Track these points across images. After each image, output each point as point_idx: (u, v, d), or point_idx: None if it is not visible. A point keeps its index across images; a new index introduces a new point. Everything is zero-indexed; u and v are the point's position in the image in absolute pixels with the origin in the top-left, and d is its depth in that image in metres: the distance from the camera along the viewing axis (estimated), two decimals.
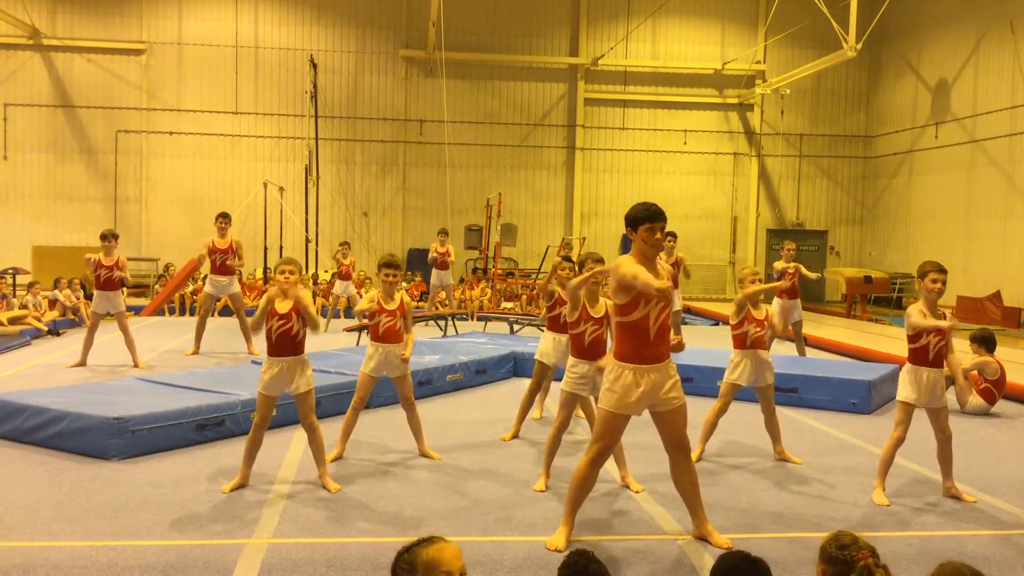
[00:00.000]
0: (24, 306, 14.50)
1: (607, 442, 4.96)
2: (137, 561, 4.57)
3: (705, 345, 13.59)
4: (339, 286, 16.34)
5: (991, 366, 9.12)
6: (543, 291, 7.72)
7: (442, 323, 15.22)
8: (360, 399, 6.74)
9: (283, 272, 5.89)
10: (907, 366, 6.07)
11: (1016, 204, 19.44)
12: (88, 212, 22.76)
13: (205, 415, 7.08)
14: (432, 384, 9.42)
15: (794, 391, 9.20)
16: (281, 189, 20.49)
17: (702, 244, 24.96)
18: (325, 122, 22.45)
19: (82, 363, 10.85)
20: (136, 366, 10.75)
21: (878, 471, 6.08)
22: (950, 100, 21.69)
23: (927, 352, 5.98)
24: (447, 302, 17.39)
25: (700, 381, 9.63)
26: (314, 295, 18.49)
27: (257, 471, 6.23)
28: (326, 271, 20.31)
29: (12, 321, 13.61)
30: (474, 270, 21.77)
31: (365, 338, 13.18)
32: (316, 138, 21.30)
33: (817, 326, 16.04)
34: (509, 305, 18.97)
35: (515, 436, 7.55)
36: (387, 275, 6.55)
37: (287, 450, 6.91)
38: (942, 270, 6.03)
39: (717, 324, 17.55)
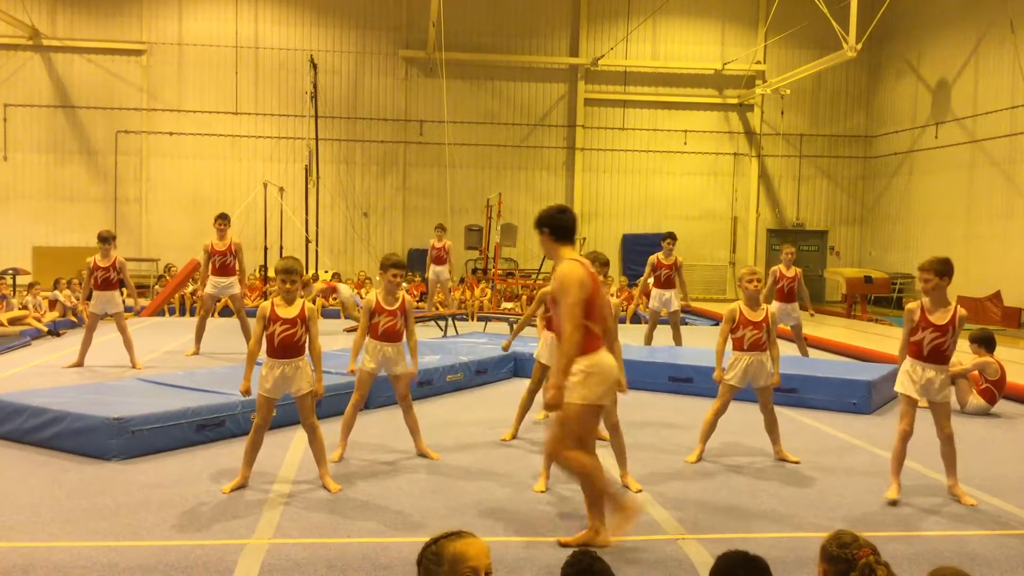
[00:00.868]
0: (24, 307, 14.50)
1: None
2: (138, 561, 4.57)
3: (705, 346, 13.59)
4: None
5: (991, 366, 9.12)
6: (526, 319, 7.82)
7: (442, 323, 15.23)
8: (359, 397, 6.75)
9: (285, 281, 5.84)
10: (907, 359, 6.05)
11: (1016, 204, 19.44)
12: (88, 213, 22.76)
13: (205, 415, 7.07)
14: (432, 384, 9.42)
15: (794, 391, 9.19)
16: (281, 189, 20.50)
17: (702, 244, 24.96)
18: (325, 122, 22.46)
19: (79, 364, 10.84)
20: (134, 367, 10.73)
21: (891, 468, 6.07)
22: (950, 100, 21.69)
23: (921, 347, 5.95)
24: (447, 303, 17.38)
25: (699, 381, 9.63)
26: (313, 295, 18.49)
27: (257, 471, 6.23)
28: (326, 271, 20.31)
29: (12, 322, 13.61)
30: (474, 270, 21.77)
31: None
32: (316, 138, 21.30)
33: (817, 326, 16.03)
34: (509, 305, 18.97)
35: (514, 436, 7.56)
36: (395, 275, 6.59)
37: (287, 450, 6.91)
38: (925, 268, 5.92)
39: (717, 324, 17.55)
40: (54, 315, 14.98)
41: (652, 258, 12.75)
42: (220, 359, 11.70)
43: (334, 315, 18.34)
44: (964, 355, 9.79)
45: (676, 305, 12.60)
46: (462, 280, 20.78)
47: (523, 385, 8.02)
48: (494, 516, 5.45)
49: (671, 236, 12.67)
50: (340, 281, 19.70)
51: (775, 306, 11.67)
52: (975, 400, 9.13)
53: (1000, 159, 19.92)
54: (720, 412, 6.89)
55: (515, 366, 10.91)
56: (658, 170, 24.74)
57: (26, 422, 6.92)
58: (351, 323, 16.05)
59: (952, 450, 6.06)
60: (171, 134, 22.96)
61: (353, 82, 23.63)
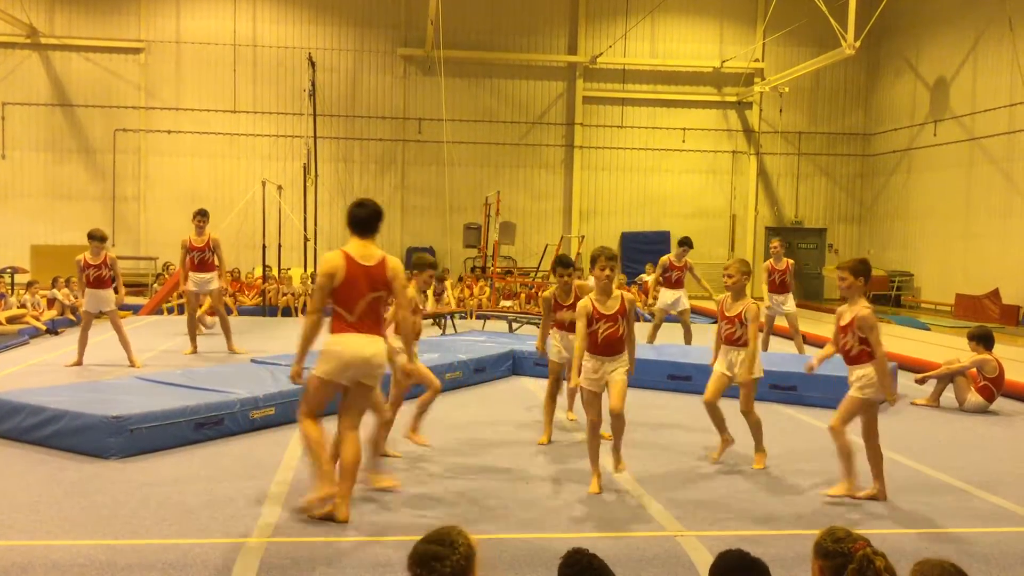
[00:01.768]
0: (22, 305, 14.49)
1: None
2: (136, 560, 4.57)
3: (705, 343, 13.60)
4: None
5: (990, 364, 9.12)
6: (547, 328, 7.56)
7: (441, 321, 15.22)
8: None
9: (603, 268, 5.92)
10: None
11: (1015, 202, 19.45)
12: (87, 211, 22.74)
13: (204, 414, 7.07)
14: None
15: (793, 389, 9.20)
16: (280, 188, 20.46)
17: (701, 242, 24.84)
18: (323, 120, 22.43)
19: (79, 363, 10.83)
20: (132, 365, 10.70)
21: (845, 467, 5.94)
22: (949, 98, 21.70)
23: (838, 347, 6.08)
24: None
25: (699, 380, 9.62)
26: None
27: (258, 470, 6.24)
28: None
29: (11, 320, 13.61)
30: (473, 268, 21.76)
31: None
32: (315, 137, 21.28)
33: (816, 324, 16.04)
34: (508, 303, 18.97)
35: (550, 439, 7.34)
36: (431, 276, 6.94)
37: (286, 448, 6.91)
38: (842, 267, 6.00)
39: (715, 322, 17.55)
40: (52, 314, 14.98)
41: (664, 259, 12.93)
42: (218, 358, 11.68)
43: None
44: (963, 353, 9.81)
45: (686, 304, 12.76)
46: (460, 279, 20.78)
47: (522, 383, 8.04)
48: (492, 513, 5.46)
49: (688, 244, 12.76)
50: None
51: (768, 298, 11.90)
52: (974, 398, 9.14)
53: (998, 157, 19.93)
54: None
55: (513, 364, 10.91)
56: (656, 168, 24.74)
57: (24, 420, 6.92)
58: None
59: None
60: (169, 132, 22.95)
61: (351, 80, 23.62)
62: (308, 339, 5.31)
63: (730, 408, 6.96)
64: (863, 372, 5.90)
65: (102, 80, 22.76)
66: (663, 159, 24.75)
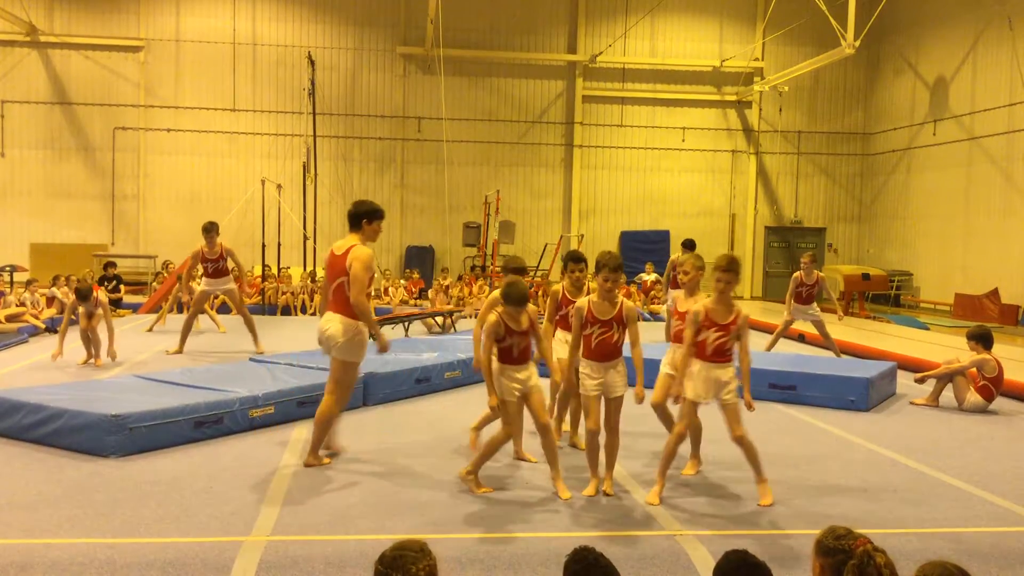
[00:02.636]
0: (22, 303, 14.48)
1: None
2: (135, 558, 4.56)
3: None
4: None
5: (989, 363, 9.12)
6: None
7: (441, 320, 15.22)
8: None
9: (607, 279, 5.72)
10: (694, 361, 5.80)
11: (1014, 201, 19.45)
12: (86, 209, 22.73)
13: (203, 412, 7.07)
14: (430, 382, 9.42)
15: (792, 388, 9.20)
16: (279, 186, 20.46)
17: (700, 241, 24.55)
18: (323, 119, 22.42)
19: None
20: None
21: (659, 466, 5.82)
22: (948, 97, 21.70)
23: (705, 347, 5.69)
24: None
25: None
26: (312, 292, 18.55)
27: (257, 469, 6.24)
28: (324, 268, 20.30)
29: (10, 318, 13.60)
30: (472, 267, 21.76)
31: None
32: (314, 135, 21.27)
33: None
34: None
35: (574, 445, 7.16)
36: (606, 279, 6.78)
37: (286, 447, 6.91)
38: (702, 265, 6.18)
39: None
40: (52, 312, 14.96)
41: (671, 260, 13.05)
42: (218, 357, 11.67)
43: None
44: (962, 352, 9.81)
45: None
46: (460, 277, 20.77)
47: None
48: (493, 512, 5.45)
49: (691, 246, 12.80)
50: None
51: (793, 307, 12.10)
52: (973, 397, 9.13)
53: (998, 156, 19.93)
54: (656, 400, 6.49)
55: None
56: (656, 167, 24.73)
57: (24, 418, 6.92)
58: None
59: (750, 448, 5.72)
60: (169, 131, 22.93)
61: (351, 79, 23.61)
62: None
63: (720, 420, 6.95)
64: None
65: (101, 78, 22.75)
66: (663, 158, 24.74)
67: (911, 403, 9.42)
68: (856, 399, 8.98)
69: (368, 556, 4.64)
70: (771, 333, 13.11)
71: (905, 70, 23.63)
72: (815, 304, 12.22)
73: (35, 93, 22.58)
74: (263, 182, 19.83)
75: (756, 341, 13.52)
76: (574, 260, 6.88)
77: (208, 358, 11.49)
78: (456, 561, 4.54)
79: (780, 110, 24.80)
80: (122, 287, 18.07)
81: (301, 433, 7.34)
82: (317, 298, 18.39)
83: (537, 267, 20.56)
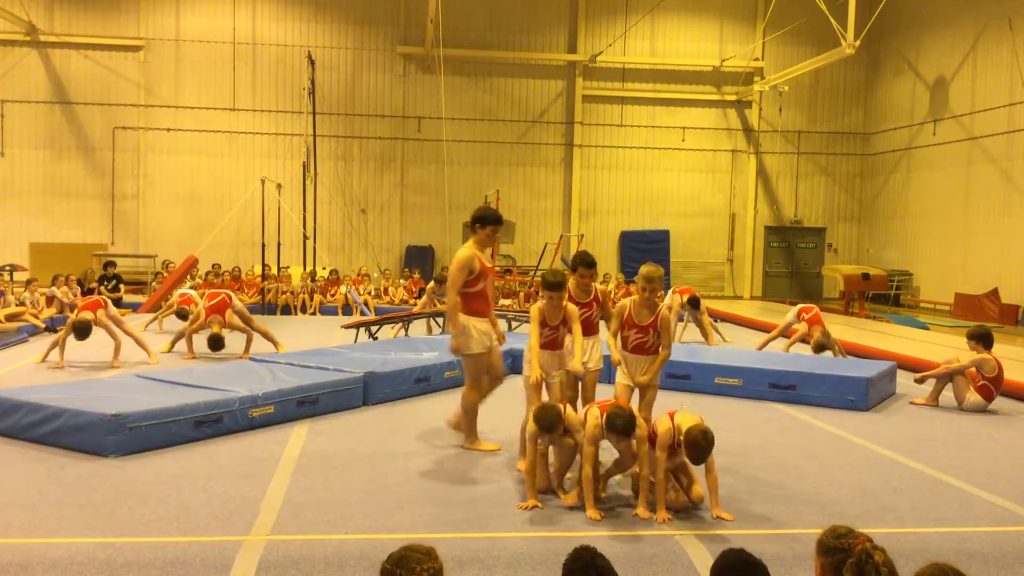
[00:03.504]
0: (21, 303, 14.48)
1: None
2: (135, 558, 4.56)
3: (701, 342, 13.61)
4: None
5: (989, 363, 9.12)
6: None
7: (440, 320, 15.20)
8: None
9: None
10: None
11: (1014, 201, 19.46)
12: (85, 209, 22.74)
13: (203, 412, 7.06)
14: (430, 381, 9.43)
15: (792, 388, 9.20)
16: (279, 186, 20.45)
17: (700, 241, 24.99)
18: (323, 119, 22.43)
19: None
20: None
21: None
22: (948, 97, 21.70)
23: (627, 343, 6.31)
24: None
25: (697, 378, 9.64)
26: (312, 292, 18.57)
27: (257, 468, 6.24)
28: (324, 268, 20.31)
29: (9, 318, 13.60)
30: None
31: (363, 335, 13.19)
32: (314, 135, 21.28)
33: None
34: (507, 302, 18.95)
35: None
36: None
37: (285, 446, 6.91)
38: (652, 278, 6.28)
39: (717, 321, 17.56)
40: (51, 311, 14.96)
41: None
42: (217, 356, 11.67)
43: (331, 312, 18.37)
44: (962, 352, 9.81)
45: (701, 306, 13.31)
46: None
47: (521, 381, 7.96)
48: (493, 512, 5.45)
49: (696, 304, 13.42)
50: (338, 278, 19.71)
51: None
52: (973, 397, 9.13)
53: (998, 156, 19.94)
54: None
55: (513, 363, 10.88)
56: (656, 167, 24.74)
57: (23, 418, 6.91)
58: (350, 319, 16.03)
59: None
60: (168, 130, 22.94)
61: (351, 78, 23.61)
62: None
63: (726, 409, 6.96)
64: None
65: (101, 78, 22.75)
66: (663, 158, 24.75)
67: (911, 403, 9.43)
68: (856, 399, 8.98)
69: (368, 556, 4.65)
70: (768, 332, 13.15)
71: (905, 70, 23.63)
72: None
73: (35, 93, 22.58)
74: (263, 181, 19.82)
75: (754, 340, 13.55)
76: (586, 265, 6.73)
77: (208, 358, 11.49)
78: (456, 561, 4.54)
79: (780, 110, 24.81)
80: (122, 286, 18.08)
81: (301, 432, 7.34)
82: (317, 298, 18.55)
83: (537, 267, 20.54)
